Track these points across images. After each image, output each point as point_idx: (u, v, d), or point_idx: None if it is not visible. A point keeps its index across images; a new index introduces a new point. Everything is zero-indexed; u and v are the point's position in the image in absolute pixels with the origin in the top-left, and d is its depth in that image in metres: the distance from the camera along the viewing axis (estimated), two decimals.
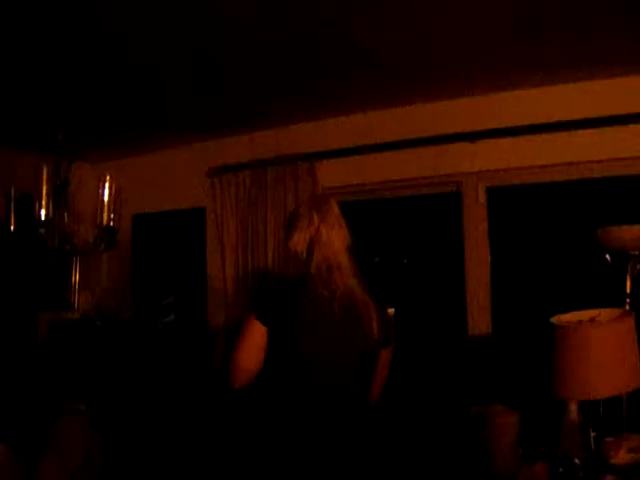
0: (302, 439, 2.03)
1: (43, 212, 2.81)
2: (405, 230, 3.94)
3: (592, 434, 2.42)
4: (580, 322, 2.39)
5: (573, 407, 2.40)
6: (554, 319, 2.43)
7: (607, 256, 2.81)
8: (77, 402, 2.99)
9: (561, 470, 2.32)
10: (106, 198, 2.90)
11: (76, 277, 4.41)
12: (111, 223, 2.93)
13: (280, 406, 2.08)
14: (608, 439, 2.39)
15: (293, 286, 2.10)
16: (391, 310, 2.87)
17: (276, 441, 2.06)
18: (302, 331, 2.05)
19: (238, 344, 2.07)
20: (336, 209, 2.18)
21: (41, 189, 2.79)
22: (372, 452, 2.15)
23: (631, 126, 3.00)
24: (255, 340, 2.04)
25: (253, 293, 2.16)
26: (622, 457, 2.29)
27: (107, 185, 2.89)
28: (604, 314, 2.43)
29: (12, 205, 2.87)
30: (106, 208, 2.90)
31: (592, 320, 2.40)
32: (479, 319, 3.40)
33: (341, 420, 2.07)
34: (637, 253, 2.71)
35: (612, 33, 2.61)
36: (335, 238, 2.12)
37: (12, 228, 2.86)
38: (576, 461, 2.32)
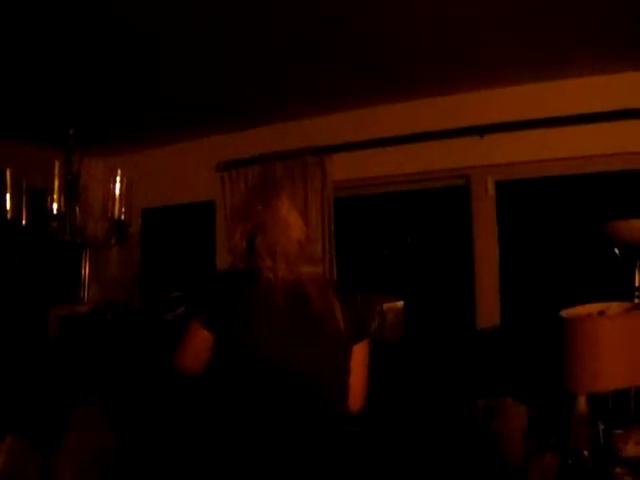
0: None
1: (55, 206, 2.83)
2: (414, 224, 3.94)
3: (601, 427, 2.42)
4: (589, 315, 2.40)
5: (582, 400, 2.41)
6: (563, 312, 2.44)
7: (616, 250, 2.81)
8: (90, 394, 3.01)
9: (570, 462, 2.33)
10: (117, 192, 2.91)
11: (86, 270, 4.46)
12: (122, 217, 2.94)
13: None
14: (617, 432, 2.40)
15: (240, 281, 1.94)
16: (400, 303, 2.89)
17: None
18: (252, 329, 1.86)
19: (179, 351, 1.98)
20: (285, 199, 2.09)
21: (53, 183, 2.82)
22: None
23: None
24: (197, 347, 1.93)
25: (196, 295, 2.00)
26: (631, 449, 2.30)
27: (118, 179, 2.90)
28: (613, 308, 2.44)
29: (24, 199, 2.89)
30: (117, 202, 2.92)
31: (601, 313, 2.40)
32: (488, 312, 3.40)
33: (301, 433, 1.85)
34: None
35: (625, 28, 2.61)
36: (282, 226, 1.99)
37: (24, 222, 2.88)
38: (585, 453, 2.33)
